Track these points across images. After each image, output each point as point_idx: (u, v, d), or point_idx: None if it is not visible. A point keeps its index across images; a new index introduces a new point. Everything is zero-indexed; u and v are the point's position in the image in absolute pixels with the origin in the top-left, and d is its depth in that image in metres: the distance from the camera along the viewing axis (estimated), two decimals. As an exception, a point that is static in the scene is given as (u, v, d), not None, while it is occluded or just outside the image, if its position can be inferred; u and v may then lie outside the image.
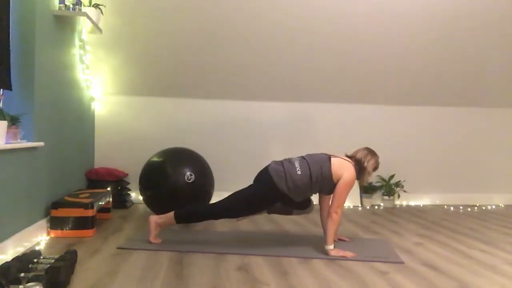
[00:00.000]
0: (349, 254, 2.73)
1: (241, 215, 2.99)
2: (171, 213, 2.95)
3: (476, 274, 2.45)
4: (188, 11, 4.13)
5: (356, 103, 5.00)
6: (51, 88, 3.22)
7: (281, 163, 2.87)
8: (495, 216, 4.42)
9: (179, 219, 2.94)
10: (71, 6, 3.44)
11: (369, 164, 2.93)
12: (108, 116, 4.63)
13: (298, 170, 2.78)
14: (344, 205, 4.75)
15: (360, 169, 2.91)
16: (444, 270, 2.51)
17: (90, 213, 3.10)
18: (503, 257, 2.83)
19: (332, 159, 2.85)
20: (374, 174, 3.06)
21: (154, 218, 2.96)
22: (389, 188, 4.93)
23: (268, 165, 2.90)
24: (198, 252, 2.74)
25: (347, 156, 2.96)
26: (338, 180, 2.80)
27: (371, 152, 2.97)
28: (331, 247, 2.75)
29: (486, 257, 2.82)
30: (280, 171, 2.80)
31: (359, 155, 2.93)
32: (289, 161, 2.87)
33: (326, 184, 2.83)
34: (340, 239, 3.14)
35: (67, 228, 3.05)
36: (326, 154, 2.91)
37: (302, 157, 2.91)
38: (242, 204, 2.89)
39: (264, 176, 2.85)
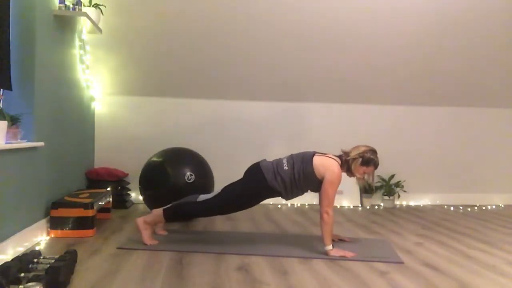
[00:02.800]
0: (349, 254, 2.72)
1: (231, 211, 3.04)
2: (159, 210, 2.94)
3: (476, 274, 2.45)
4: (188, 11, 4.13)
5: (356, 103, 5.00)
6: (51, 88, 3.22)
7: (271, 161, 2.93)
8: (495, 216, 4.41)
9: (168, 216, 2.93)
10: (71, 6, 3.44)
11: (354, 163, 2.85)
12: (108, 116, 4.63)
13: (285, 166, 2.85)
14: (344, 205, 4.85)
15: (348, 167, 2.89)
16: (444, 270, 2.51)
17: (90, 213, 3.09)
18: (503, 257, 2.83)
19: (316, 156, 2.85)
20: (368, 172, 2.91)
21: (141, 219, 2.94)
22: (389, 188, 4.93)
23: (259, 162, 2.93)
24: (198, 252, 2.74)
25: (343, 152, 2.94)
26: (322, 177, 2.79)
27: (366, 151, 2.87)
28: (329, 247, 2.75)
29: (486, 257, 2.82)
30: (270, 167, 2.86)
31: (352, 153, 2.88)
32: (279, 159, 2.93)
33: (310, 180, 2.83)
34: (340, 239, 3.13)
35: (67, 228, 3.05)
36: (313, 151, 2.92)
37: (291, 155, 2.95)
38: (233, 201, 2.91)
39: (255, 172, 2.88)
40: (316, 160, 2.83)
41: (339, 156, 2.92)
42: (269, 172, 2.83)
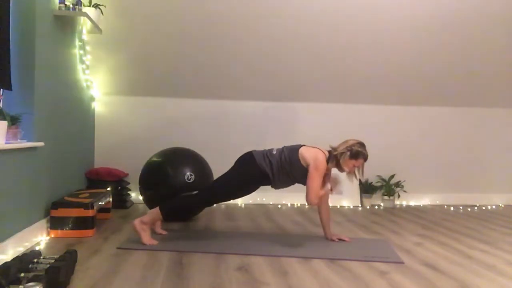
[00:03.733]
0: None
1: (224, 198, 3.10)
2: (156, 209, 2.93)
3: (476, 274, 2.45)
4: (188, 11, 4.13)
5: (356, 103, 5.01)
6: (51, 88, 3.22)
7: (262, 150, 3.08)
8: (495, 216, 4.41)
9: (165, 212, 2.93)
10: (71, 6, 3.44)
11: (343, 157, 2.90)
12: (108, 116, 4.64)
13: (274, 151, 2.99)
14: (344, 205, 4.85)
15: (337, 162, 2.93)
16: (444, 270, 2.51)
17: (90, 213, 3.09)
18: (503, 257, 2.83)
19: (303, 147, 2.96)
20: (358, 165, 2.95)
21: (138, 220, 2.93)
22: (389, 188, 4.93)
23: (251, 150, 3.06)
24: (198, 252, 2.74)
25: (332, 148, 2.98)
26: (307, 165, 2.87)
27: (354, 144, 2.92)
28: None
29: (486, 257, 2.82)
30: (260, 152, 3.00)
31: (340, 148, 2.93)
32: (271, 148, 3.06)
33: (296, 166, 2.88)
34: (340, 239, 3.14)
35: (67, 228, 3.05)
36: (303, 144, 3.03)
37: (283, 146, 3.05)
38: (225, 187, 2.97)
39: (245, 157, 3.00)
40: (302, 149, 2.94)
41: (328, 152, 2.97)
42: (259, 155, 2.96)
